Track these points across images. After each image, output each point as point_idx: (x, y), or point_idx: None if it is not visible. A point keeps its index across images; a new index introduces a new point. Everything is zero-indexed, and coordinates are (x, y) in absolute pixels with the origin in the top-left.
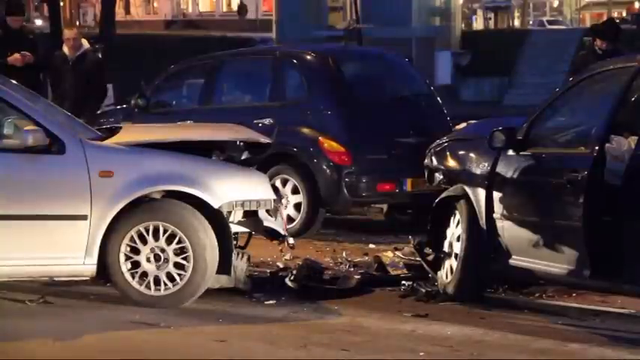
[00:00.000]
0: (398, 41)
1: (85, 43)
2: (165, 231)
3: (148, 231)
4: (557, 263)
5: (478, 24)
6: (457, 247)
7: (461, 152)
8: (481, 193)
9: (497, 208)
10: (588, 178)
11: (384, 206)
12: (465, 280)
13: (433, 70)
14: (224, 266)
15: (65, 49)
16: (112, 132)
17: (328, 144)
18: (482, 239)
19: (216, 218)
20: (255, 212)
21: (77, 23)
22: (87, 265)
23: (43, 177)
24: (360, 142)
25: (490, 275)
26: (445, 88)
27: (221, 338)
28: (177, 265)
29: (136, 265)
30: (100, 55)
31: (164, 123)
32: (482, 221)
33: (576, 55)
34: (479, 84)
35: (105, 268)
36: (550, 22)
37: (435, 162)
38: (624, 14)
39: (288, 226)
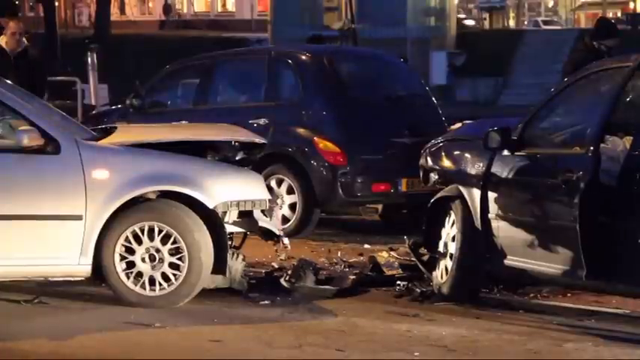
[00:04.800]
0: (393, 41)
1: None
2: (160, 231)
3: (143, 231)
4: (552, 263)
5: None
6: (452, 248)
7: (456, 152)
8: (476, 193)
9: (493, 208)
10: (583, 179)
11: (379, 206)
12: (460, 281)
13: (428, 70)
14: (219, 266)
15: (3, 42)
16: (107, 132)
17: (323, 144)
18: (477, 239)
19: (211, 218)
20: (250, 212)
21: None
22: (82, 266)
23: (38, 177)
24: (355, 142)
25: (485, 275)
26: (440, 88)
27: (216, 338)
28: (172, 266)
29: (131, 265)
30: (38, 52)
31: (159, 123)
32: (478, 222)
33: (569, 55)
34: (474, 84)
35: (100, 269)
36: (545, 23)
37: (430, 162)
38: (619, 14)
39: (283, 227)
